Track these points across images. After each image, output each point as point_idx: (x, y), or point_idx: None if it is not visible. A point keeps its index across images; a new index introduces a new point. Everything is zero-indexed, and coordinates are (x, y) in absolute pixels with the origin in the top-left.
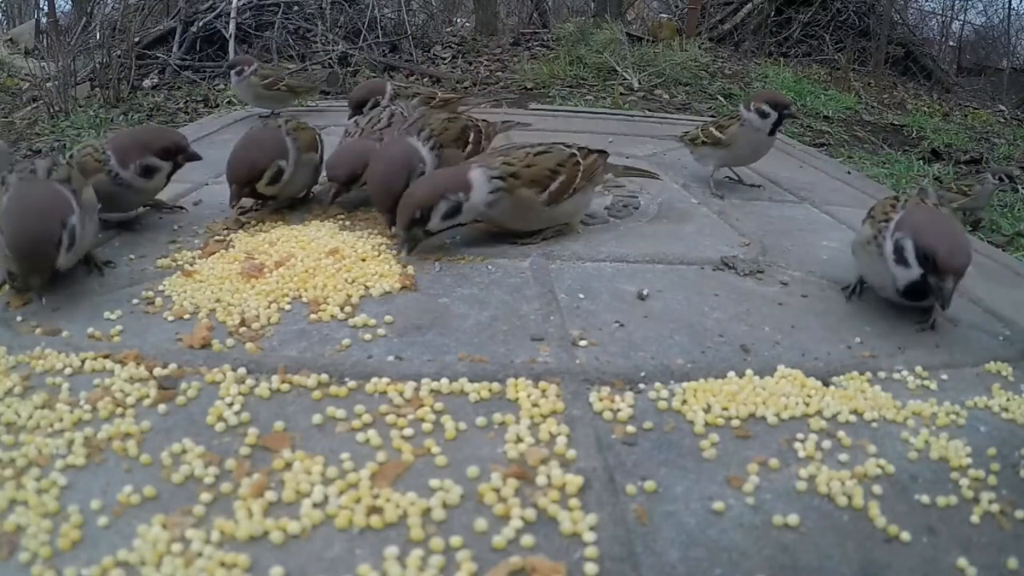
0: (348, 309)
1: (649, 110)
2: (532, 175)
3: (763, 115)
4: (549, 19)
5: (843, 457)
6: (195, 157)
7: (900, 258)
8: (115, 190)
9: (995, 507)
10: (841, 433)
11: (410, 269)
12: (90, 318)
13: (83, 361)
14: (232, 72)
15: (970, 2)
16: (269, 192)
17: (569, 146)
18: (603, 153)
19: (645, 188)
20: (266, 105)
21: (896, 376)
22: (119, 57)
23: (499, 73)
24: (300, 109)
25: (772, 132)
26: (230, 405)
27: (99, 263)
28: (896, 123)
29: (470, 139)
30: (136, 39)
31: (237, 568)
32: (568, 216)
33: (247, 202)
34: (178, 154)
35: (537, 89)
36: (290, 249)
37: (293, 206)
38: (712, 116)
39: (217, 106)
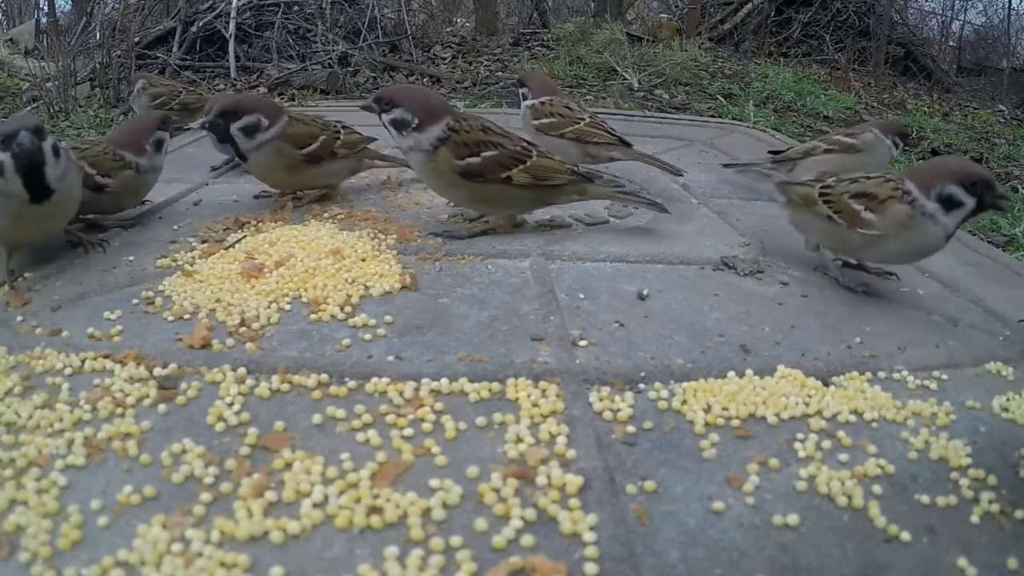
0: (348, 309)
1: (648, 110)
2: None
3: (895, 145)
4: (549, 19)
5: (843, 457)
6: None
7: (951, 204)
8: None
9: (995, 507)
10: (841, 433)
11: (410, 269)
12: (90, 318)
13: (83, 361)
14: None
15: (970, 2)
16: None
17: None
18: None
19: (645, 188)
20: None
21: (896, 376)
22: (119, 57)
23: (499, 73)
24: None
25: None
26: (230, 405)
27: (92, 241)
28: None
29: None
30: (136, 39)
31: (237, 568)
32: (327, 179)
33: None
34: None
35: None
36: (290, 249)
37: (300, 198)
38: (712, 116)
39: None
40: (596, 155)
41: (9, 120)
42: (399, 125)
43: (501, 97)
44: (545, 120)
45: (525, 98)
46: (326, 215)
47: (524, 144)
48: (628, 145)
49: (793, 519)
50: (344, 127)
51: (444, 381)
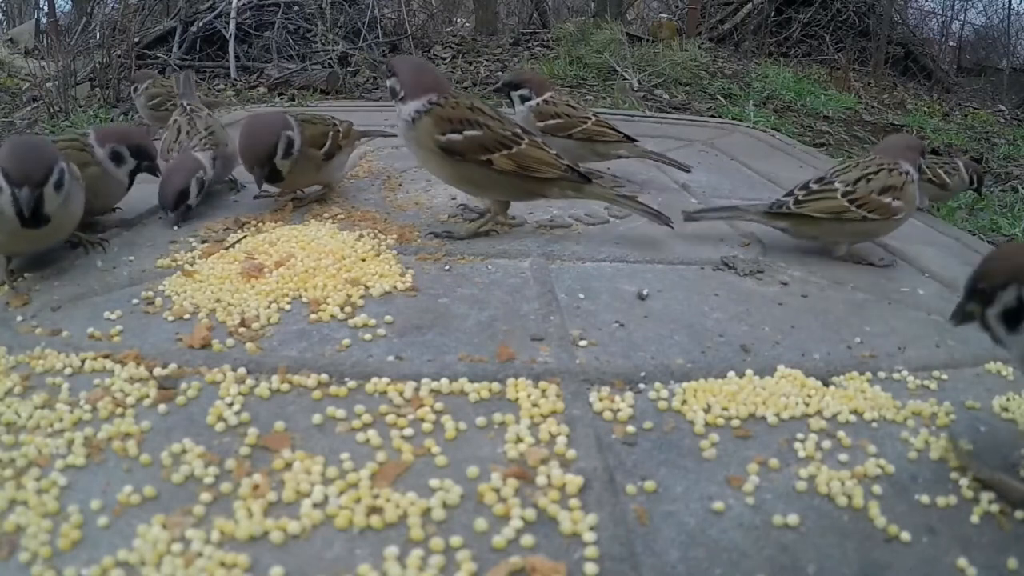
0: (348, 309)
1: (649, 110)
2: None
3: None
4: (549, 19)
5: (843, 457)
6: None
7: (920, 170)
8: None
9: (995, 507)
10: (841, 433)
11: (410, 269)
12: (90, 318)
13: (83, 361)
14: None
15: (970, 2)
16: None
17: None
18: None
19: (645, 188)
20: (161, 125)
21: (896, 376)
22: (119, 57)
23: (499, 73)
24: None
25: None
26: (230, 405)
27: (92, 241)
28: (896, 123)
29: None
30: (136, 39)
31: (237, 568)
32: (337, 171)
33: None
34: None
35: None
36: (290, 249)
37: (300, 198)
38: (712, 116)
39: (217, 107)
40: (604, 153)
41: (17, 146)
42: (391, 93)
43: (500, 97)
44: (552, 122)
45: (526, 99)
46: (326, 215)
47: (517, 130)
48: (634, 141)
49: (793, 519)
50: (334, 118)
51: (444, 381)
